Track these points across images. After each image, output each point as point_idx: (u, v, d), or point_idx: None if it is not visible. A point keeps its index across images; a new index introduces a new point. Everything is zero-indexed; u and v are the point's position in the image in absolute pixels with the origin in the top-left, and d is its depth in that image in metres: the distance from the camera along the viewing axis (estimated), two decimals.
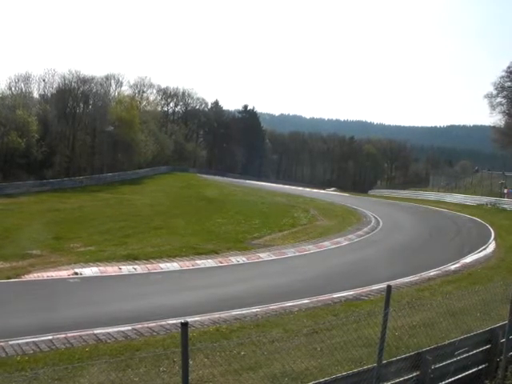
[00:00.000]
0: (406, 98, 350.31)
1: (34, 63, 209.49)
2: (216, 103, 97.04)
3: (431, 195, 59.47)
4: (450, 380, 7.30)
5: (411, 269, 17.02)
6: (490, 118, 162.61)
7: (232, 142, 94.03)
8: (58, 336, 9.43)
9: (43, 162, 47.76)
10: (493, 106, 60.42)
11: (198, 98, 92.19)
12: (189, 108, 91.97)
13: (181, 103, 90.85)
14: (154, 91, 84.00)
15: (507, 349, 8.02)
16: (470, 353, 7.70)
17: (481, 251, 21.51)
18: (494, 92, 59.75)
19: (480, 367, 7.92)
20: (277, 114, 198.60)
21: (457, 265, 18.38)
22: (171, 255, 18.25)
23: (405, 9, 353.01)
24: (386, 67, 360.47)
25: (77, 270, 15.37)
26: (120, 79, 72.98)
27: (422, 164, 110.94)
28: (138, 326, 10.29)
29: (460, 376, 7.50)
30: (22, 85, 56.86)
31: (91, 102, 58.82)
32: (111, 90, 70.47)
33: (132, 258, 17.50)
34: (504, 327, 8.09)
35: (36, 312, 11.12)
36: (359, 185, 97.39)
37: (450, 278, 16.00)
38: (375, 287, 14.12)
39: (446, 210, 42.24)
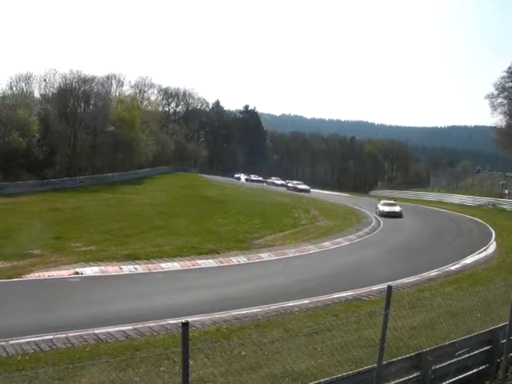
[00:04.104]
0: (407, 98, 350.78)
1: (35, 63, 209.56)
2: (217, 103, 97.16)
3: (432, 195, 59.47)
4: (450, 381, 7.31)
5: (412, 269, 17.01)
6: (491, 118, 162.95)
7: (233, 142, 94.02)
8: (59, 336, 9.44)
9: (44, 162, 47.78)
10: (494, 107, 60.56)
11: (199, 98, 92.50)
12: (190, 108, 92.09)
13: (182, 103, 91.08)
14: (155, 91, 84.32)
15: (507, 350, 8.02)
16: (471, 353, 7.70)
17: (481, 252, 21.48)
18: (495, 92, 59.91)
19: (480, 368, 7.92)
20: (278, 114, 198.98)
21: (457, 265, 18.36)
22: (172, 255, 18.26)
23: (405, 9, 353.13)
24: (386, 67, 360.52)
25: (78, 270, 15.39)
26: (121, 79, 73.27)
27: (422, 164, 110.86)
28: (139, 325, 10.30)
29: (460, 377, 7.50)
30: (23, 84, 57.14)
31: (92, 102, 58.88)
32: (112, 89, 70.75)
33: (133, 257, 17.52)
34: (504, 328, 8.10)
35: (37, 311, 11.14)
36: (360, 185, 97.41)
37: (450, 279, 15.99)
38: (375, 287, 14.11)
39: (446, 211, 42.22)
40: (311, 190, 61.99)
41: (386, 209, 35.44)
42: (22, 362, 8.09)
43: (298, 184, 63.66)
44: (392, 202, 39.01)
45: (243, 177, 76.68)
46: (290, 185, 63.92)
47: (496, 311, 9.19)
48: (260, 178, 76.37)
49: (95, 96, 59.01)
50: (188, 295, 13.39)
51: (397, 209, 35.71)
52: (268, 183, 70.70)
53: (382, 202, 37.89)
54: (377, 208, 36.25)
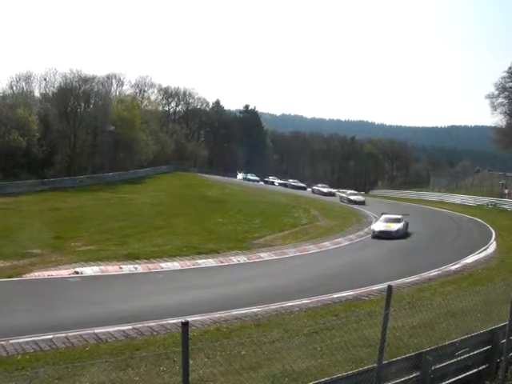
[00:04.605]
0: (407, 98, 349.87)
1: (35, 62, 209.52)
2: (217, 103, 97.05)
3: (432, 195, 59.42)
4: (450, 380, 7.29)
5: (412, 269, 17.01)
6: (491, 118, 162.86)
7: (233, 141, 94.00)
8: (59, 335, 9.44)
9: (44, 161, 47.77)
10: (494, 107, 60.47)
11: (199, 98, 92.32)
12: (190, 108, 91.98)
13: (182, 103, 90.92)
14: (155, 91, 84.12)
15: (507, 350, 8.01)
16: (471, 353, 7.69)
17: (481, 251, 21.49)
18: (496, 92, 59.82)
19: (480, 368, 7.91)
20: (278, 113, 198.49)
21: (457, 265, 18.37)
22: (172, 255, 18.28)
23: (405, 9, 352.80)
24: (387, 67, 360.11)
25: (77, 269, 15.41)
26: (121, 78, 73.17)
27: (422, 164, 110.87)
28: (139, 325, 10.30)
29: (460, 377, 7.49)
30: (24, 84, 57.07)
31: (92, 102, 58.86)
32: (112, 89, 70.68)
33: (133, 257, 17.54)
34: (504, 328, 8.09)
35: (36, 311, 11.14)
36: (360, 185, 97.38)
37: (450, 279, 15.99)
38: (375, 287, 14.12)
39: (446, 211, 42.21)
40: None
41: (378, 227, 26.72)
42: (22, 362, 8.09)
43: (351, 194, 48.69)
44: (396, 216, 28.25)
45: (277, 181, 67.01)
46: (343, 195, 49.06)
47: (496, 311, 9.18)
48: (302, 184, 65.19)
49: (95, 95, 58.98)
50: (188, 295, 13.39)
51: (394, 227, 26.41)
52: (315, 191, 57.81)
53: (382, 217, 28.41)
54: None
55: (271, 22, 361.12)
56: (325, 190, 57.46)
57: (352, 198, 46.76)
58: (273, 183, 66.30)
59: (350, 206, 43.15)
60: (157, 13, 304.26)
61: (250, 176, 73.16)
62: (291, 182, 66.30)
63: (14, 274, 14.49)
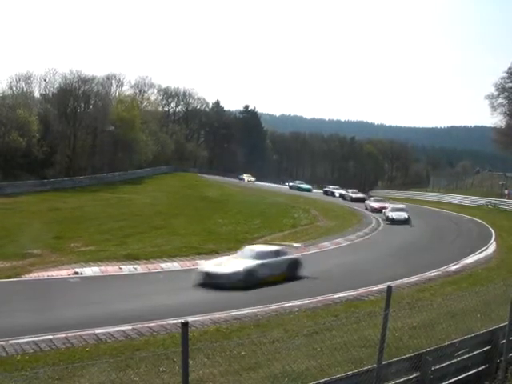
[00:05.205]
0: (407, 98, 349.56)
1: (35, 63, 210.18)
2: (217, 103, 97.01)
3: (431, 196, 59.41)
4: (450, 381, 7.29)
5: (411, 269, 17.00)
6: (491, 118, 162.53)
7: (233, 142, 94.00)
8: (59, 335, 9.44)
9: (44, 162, 47.76)
10: (494, 107, 60.37)
11: (198, 98, 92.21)
12: (190, 108, 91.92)
13: (182, 103, 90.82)
14: (155, 91, 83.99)
15: (507, 350, 8.01)
16: (471, 354, 7.69)
17: (481, 252, 21.48)
18: (495, 93, 59.72)
19: (480, 368, 7.91)
20: (277, 114, 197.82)
21: (457, 265, 18.37)
22: (172, 255, 18.29)
23: (405, 9, 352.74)
24: (386, 67, 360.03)
25: (77, 270, 15.42)
26: (121, 79, 73.08)
27: (422, 164, 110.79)
28: (139, 325, 10.31)
29: (460, 377, 7.49)
30: (23, 84, 57.09)
31: (92, 102, 58.84)
32: (112, 89, 70.56)
33: (132, 257, 17.55)
34: (504, 328, 8.09)
35: (36, 311, 11.14)
36: (360, 185, 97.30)
37: (450, 279, 15.99)
38: (375, 288, 14.10)
39: (446, 211, 42.20)
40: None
41: (206, 268, 15.06)
42: (22, 362, 8.10)
43: (393, 210, 33.74)
44: (268, 249, 16.48)
45: (337, 191, 54.58)
46: (385, 211, 34.81)
47: (496, 311, 9.18)
48: (361, 195, 49.15)
49: (95, 96, 58.94)
50: (188, 295, 13.39)
51: (228, 268, 14.74)
52: (367, 207, 40.63)
53: (244, 249, 16.62)
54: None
55: (271, 22, 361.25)
56: (375, 205, 39.89)
57: (390, 215, 32.73)
58: (333, 194, 54.63)
59: (350, 206, 43.01)
60: (156, 13, 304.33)
61: (299, 184, 62.37)
62: (350, 192, 51.28)
63: (14, 275, 14.50)
